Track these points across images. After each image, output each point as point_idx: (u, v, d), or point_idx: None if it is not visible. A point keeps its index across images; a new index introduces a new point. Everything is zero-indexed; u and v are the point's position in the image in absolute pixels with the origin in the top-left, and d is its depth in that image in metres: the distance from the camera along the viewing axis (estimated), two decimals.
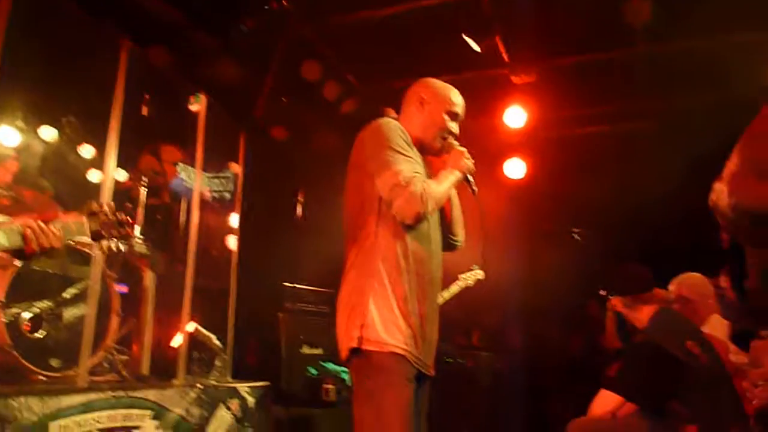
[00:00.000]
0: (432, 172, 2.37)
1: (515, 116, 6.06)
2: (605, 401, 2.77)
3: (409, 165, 2.15)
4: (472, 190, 2.47)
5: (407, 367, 2.06)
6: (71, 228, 1.91)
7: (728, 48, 4.86)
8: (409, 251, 2.16)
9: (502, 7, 4.74)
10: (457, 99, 2.44)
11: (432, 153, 2.42)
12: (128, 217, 2.08)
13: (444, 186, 2.25)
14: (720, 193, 1.18)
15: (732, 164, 1.22)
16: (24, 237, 1.78)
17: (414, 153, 2.26)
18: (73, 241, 2.03)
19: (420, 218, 2.11)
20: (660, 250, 5.93)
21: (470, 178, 2.40)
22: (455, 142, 2.42)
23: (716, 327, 3.41)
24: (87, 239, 2.01)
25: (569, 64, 5.56)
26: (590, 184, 6.28)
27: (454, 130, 2.43)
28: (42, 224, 1.81)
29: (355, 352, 2.05)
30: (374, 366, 2.02)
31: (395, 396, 2.00)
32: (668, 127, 5.96)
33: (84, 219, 1.96)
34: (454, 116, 2.42)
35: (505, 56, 5.41)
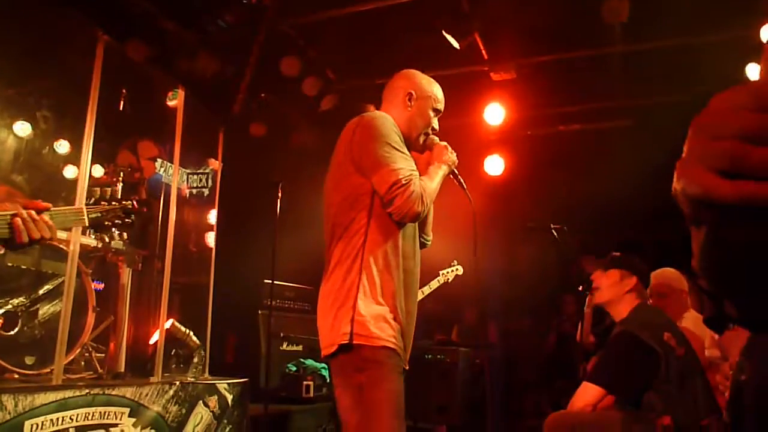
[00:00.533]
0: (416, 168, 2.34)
1: (494, 113, 6.09)
2: (585, 395, 2.80)
3: (407, 163, 2.14)
4: (460, 183, 2.48)
5: (397, 360, 2.08)
6: (66, 217, 1.84)
7: (704, 46, 4.93)
8: (398, 248, 2.18)
9: (481, 4, 4.76)
10: (441, 95, 2.45)
11: (415, 149, 2.42)
12: (133, 204, 2.00)
13: (436, 182, 2.26)
14: (676, 179, 1.20)
15: (684, 152, 1.25)
16: (12, 226, 1.69)
17: (406, 149, 2.26)
18: (68, 230, 1.96)
19: (419, 217, 2.13)
20: (637, 245, 6.01)
21: (456, 171, 2.42)
22: (436, 138, 2.43)
23: (694, 321, 3.46)
24: (84, 227, 1.93)
25: (548, 61, 5.59)
26: (569, 181, 6.34)
27: (436, 126, 2.44)
28: (33, 213, 1.72)
29: (345, 347, 2.03)
30: (366, 359, 2.01)
31: (387, 389, 2.01)
32: (645, 124, 6.04)
33: (83, 207, 1.88)
34: (437, 112, 2.44)
35: (484, 53, 5.44)
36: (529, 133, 6.60)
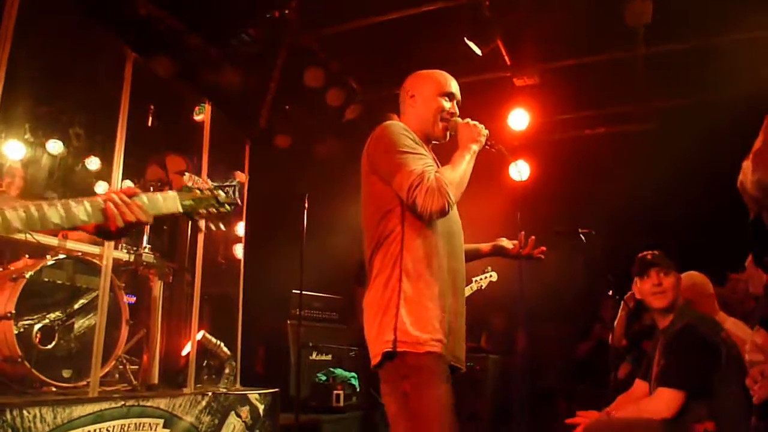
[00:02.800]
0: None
1: (518, 119, 6.08)
2: (669, 401, 2.63)
3: (420, 161, 2.12)
4: (499, 150, 2.38)
5: (443, 366, 2.04)
6: (159, 202, 1.75)
7: (727, 46, 4.88)
8: (438, 248, 2.15)
9: (502, 10, 4.76)
10: (445, 79, 2.41)
11: (441, 140, 2.39)
12: (233, 198, 1.93)
13: (460, 168, 2.19)
14: (746, 170, 1.19)
15: (758, 142, 1.24)
16: (105, 212, 1.62)
17: (424, 149, 2.24)
18: (162, 215, 1.81)
19: (446, 210, 2.07)
20: (665, 248, 5.93)
21: (490, 142, 2.34)
22: (458, 118, 2.37)
23: (727, 324, 3.40)
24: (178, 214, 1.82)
25: (571, 65, 5.57)
26: (595, 185, 6.29)
27: (453, 110, 2.38)
28: (125, 197, 1.65)
29: (389, 355, 2.01)
30: (410, 367, 1.98)
31: (433, 395, 1.97)
32: (670, 126, 5.97)
33: (176, 193, 1.81)
34: (449, 96, 2.39)
35: (507, 59, 5.44)
36: (555, 138, 6.57)
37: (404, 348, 1.98)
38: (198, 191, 1.87)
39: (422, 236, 2.12)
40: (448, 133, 2.39)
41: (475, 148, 2.28)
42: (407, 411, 1.96)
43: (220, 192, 1.93)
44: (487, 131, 2.32)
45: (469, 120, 2.34)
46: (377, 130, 2.24)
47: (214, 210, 1.91)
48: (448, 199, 2.06)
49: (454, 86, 2.41)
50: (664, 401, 2.66)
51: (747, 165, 1.25)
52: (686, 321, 2.81)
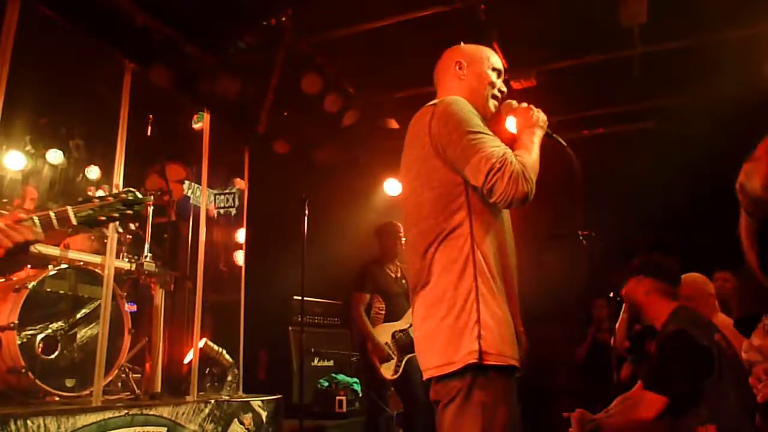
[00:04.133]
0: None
1: (508, 102, 6.08)
2: (653, 404, 2.66)
3: (496, 143, 1.90)
4: (559, 141, 2.22)
5: (515, 379, 1.92)
6: (51, 218, 1.81)
7: (724, 44, 4.89)
8: (505, 244, 1.99)
9: (497, 13, 4.78)
10: (494, 55, 2.23)
11: (487, 118, 2.15)
12: (141, 197, 1.97)
13: (535, 153, 2.00)
14: (749, 172, 1.20)
15: (761, 147, 1.24)
16: None
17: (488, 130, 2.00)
18: (57, 230, 1.94)
19: (528, 198, 1.86)
20: (665, 248, 5.94)
21: (549, 131, 2.17)
22: (513, 101, 2.19)
23: (727, 326, 3.41)
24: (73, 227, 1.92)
25: (568, 67, 5.59)
26: (594, 186, 6.30)
27: (503, 88, 2.20)
28: (9, 222, 1.71)
29: (472, 367, 1.81)
30: (491, 378, 1.82)
31: (509, 410, 1.85)
32: (669, 126, 5.99)
33: (68, 208, 1.86)
34: (497, 72, 2.20)
35: (503, 62, 5.45)
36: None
37: (490, 361, 1.80)
38: (96, 200, 1.92)
39: (491, 230, 1.94)
40: (498, 114, 2.21)
41: (540, 133, 2.09)
42: (482, 423, 1.80)
43: (128, 195, 1.98)
44: (546, 118, 2.14)
45: (528, 104, 2.16)
46: (440, 108, 1.98)
47: (117, 214, 1.94)
48: (532, 185, 1.87)
49: (498, 61, 2.22)
50: (646, 405, 2.70)
51: (749, 167, 1.25)
52: (677, 325, 2.82)
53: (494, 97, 2.18)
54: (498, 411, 1.81)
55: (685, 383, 2.67)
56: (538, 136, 2.07)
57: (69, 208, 1.86)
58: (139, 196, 1.97)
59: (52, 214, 1.82)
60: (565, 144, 2.26)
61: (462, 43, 2.28)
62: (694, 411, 2.63)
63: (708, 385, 2.62)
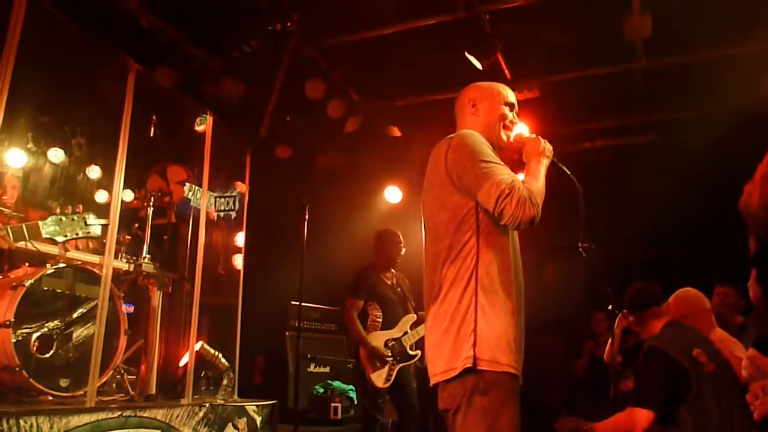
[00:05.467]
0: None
1: (519, 132, 6.10)
2: (640, 420, 2.74)
3: (504, 170, 2.10)
4: (564, 171, 2.42)
5: (517, 384, 2.06)
6: (22, 230, 2.11)
7: (727, 60, 4.91)
8: (511, 263, 2.16)
9: (502, 24, 4.79)
10: (505, 89, 2.44)
11: (502, 149, 2.38)
12: (87, 217, 2.26)
13: (541, 180, 2.20)
14: (750, 194, 1.21)
15: (764, 166, 1.25)
16: None
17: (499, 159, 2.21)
18: (26, 241, 2.40)
19: (534, 221, 2.05)
20: (665, 262, 5.94)
21: (555, 160, 2.36)
22: (524, 132, 2.41)
23: (723, 340, 3.40)
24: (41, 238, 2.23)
25: (571, 79, 5.60)
26: (595, 199, 6.29)
27: (516, 120, 2.42)
28: None
29: (468, 371, 1.99)
30: (490, 383, 1.99)
31: (510, 413, 2.00)
32: (670, 139, 6.00)
33: (37, 222, 2.11)
34: (510, 106, 2.41)
35: (507, 73, 5.46)
36: (555, 151, 6.58)
37: (483, 366, 1.98)
38: (63, 218, 2.21)
39: (496, 250, 2.12)
40: (512, 146, 2.40)
41: (546, 162, 2.29)
42: (484, 426, 1.96)
43: (87, 218, 2.29)
44: (552, 149, 2.33)
45: (537, 135, 2.36)
46: (455, 140, 2.21)
47: (79, 232, 2.24)
48: (538, 209, 2.06)
49: (513, 96, 2.44)
50: (635, 420, 2.78)
51: (752, 189, 1.26)
52: (651, 342, 2.93)
53: (505, 127, 2.38)
54: (501, 414, 1.96)
55: (662, 397, 2.75)
56: (544, 164, 2.27)
57: (40, 223, 2.15)
58: (96, 221, 2.29)
59: (24, 226, 2.13)
60: (569, 172, 2.44)
61: (476, 83, 2.49)
62: (680, 423, 2.66)
63: (688, 399, 2.68)
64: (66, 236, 2.23)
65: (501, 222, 2.05)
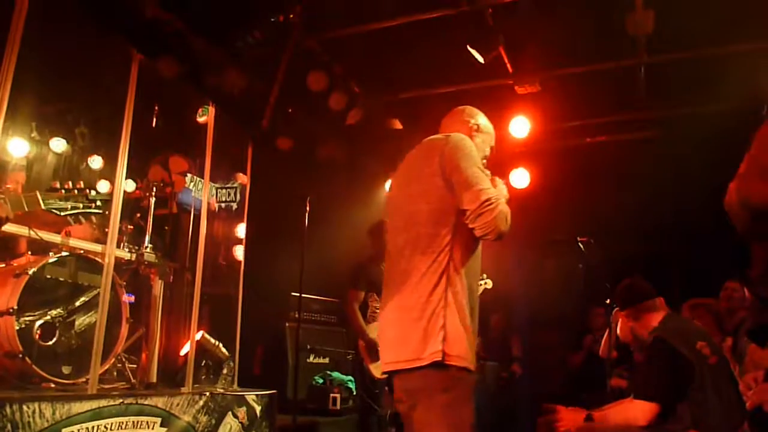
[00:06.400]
0: None
1: (520, 126, 6.12)
2: (643, 412, 2.74)
3: (491, 185, 2.22)
4: None
5: (474, 379, 2.13)
6: (20, 201, 2.13)
7: (729, 57, 4.91)
8: (474, 269, 2.24)
9: (505, 18, 4.80)
10: (494, 135, 2.64)
11: None
12: (90, 192, 2.30)
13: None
14: (731, 192, 1.25)
15: (742, 165, 1.30)
16: None
17: None
18: (25, 211, 2.43)
19: (502, 236, 2.15)
20: (664, 257, 5.97)
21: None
22: (488, 172, 2.49)
23: None
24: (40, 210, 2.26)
25: (573, 73, 5.61)
26: (594, 193, 6.32)
27: (489, 157, 2.60)
28: None
29: (436, 365, 2.05)
30: (453, 379, 2.06)
31: (470, 409, 2.08)
32: (671, 136, 6.01)
33: (36, 193, 2.14)
34: (492, 150, 2.62)
35: (509, 67, 5.47)
36: (555, 146, 6.60)
37: (452, 362, 2.05)
38: (63, 191, 2.27)
39: (466, 253, 2.20)
40: None
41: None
42: (446, 422, 2.04)
43: (90, 193, 2.34)
44: (507, 195, 2.45)
45: (497, 179, 2.46)
46: (454, 139, 2.29)
47: (81, 206, 2.34)
48: (508, 228, 2.16)
49: (494, 140, 2.65)
50: (639, 412, 2.77)
51: (733, 186, 1.30)
52: (656, 333, 2.91)
53: (484, 163, 2.48)
54: (463, 411, 2.06)
55: (668, 389, 2.74)
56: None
57: (38, 193, 2.16)
58: (100, 192, 2.29)
59: (22, 196, 2.13)
60: None
61: (479, 111, 2.63)
62: (678, 417, 2.68)
63: (690, 391, 2.69)
64: (68, 210, 2.26)
65: (472, 225, 2.13)
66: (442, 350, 2.04)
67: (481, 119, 2.58)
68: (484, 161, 2.48)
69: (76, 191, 2.17)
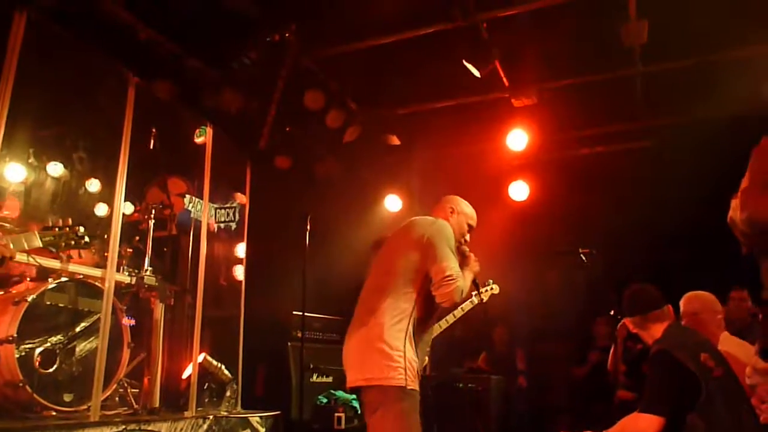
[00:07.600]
0: None
1: (517, 139, 6.11)
2: (649, 426, 2.71)
3: (457, 264, 2.78)
4: (479, 293, 3.60)
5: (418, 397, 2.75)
6: (21, 240, 2.35)
7: (724, 65, 4.93)
8: (429, 315, 2.86)
9: (500, 31, 4.81)
10: (474, 216, 3.19)
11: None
12: (80, 228, 2.59)
13: (468, 284, 2.99)
14: (735, 208, 1.23)
15: (744, 180, 1.27)
16: None
17: None
18: (28, 252, 2.78)
19: (455, 306, 2.86)
20: (665, 267, 5.94)
21: (476, 279, 3.14)
22: (466, 248, 3.14)
23: (729, 344, 3.40)
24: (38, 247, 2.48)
25: (569, 85, 5.62)
26: (594, 204, 6.31)
27: (467, 239, 3.15)
28: None
29: (399, 388, 2.62)
30: (407, 395, 2.64)
31: (417, 417, 2.67)
32: (668, 144, 6.01)
33: (35, 232, 2.39)
34: (471, 229, 3.17)
35: (505, 80, 5.48)
36: (553, 158, 6.61)
37: (409, 385, 2.65)
38: (57, 229, 2.54)
39: (426, 304, 2.80)
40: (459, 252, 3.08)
41: (472, 276, 3.08)
42: (401, 426, 2.62)
43: (79, 229, 2.66)
44: (478, 268, 3.15)
45: (472, 255, 3.15)
46: (440, 224, 2.91)
47: (73, 242, 2.59)
48: (461, 299, 2.81)
49: (474, 222, 3.19)
50: (644, 426, 2.74)
51: (735, 203, 1.28)
52: (659, 345, 2.89)
53: (461, 241, 3.12)
54: (412, 416, 2.64)
55: (672, 402, 2.71)
56: (471, 276, 3.08)
57: (36, 232, 2.48)
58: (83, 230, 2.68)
59: (22, 236, 2.36)
60: (480, 291, 3.77)
61: (459, 198, 3.21)
62: (693, 427, 2.64)
63: (699, 404, 2.65)
64: (62, 246, 2.59)
65: (434, 292, 2.72)
66: (405, 377, 2.63)
67: (459, 205, 3.17)
68: (466, 237, 3.12)
69: (67, 228, 2.49)
